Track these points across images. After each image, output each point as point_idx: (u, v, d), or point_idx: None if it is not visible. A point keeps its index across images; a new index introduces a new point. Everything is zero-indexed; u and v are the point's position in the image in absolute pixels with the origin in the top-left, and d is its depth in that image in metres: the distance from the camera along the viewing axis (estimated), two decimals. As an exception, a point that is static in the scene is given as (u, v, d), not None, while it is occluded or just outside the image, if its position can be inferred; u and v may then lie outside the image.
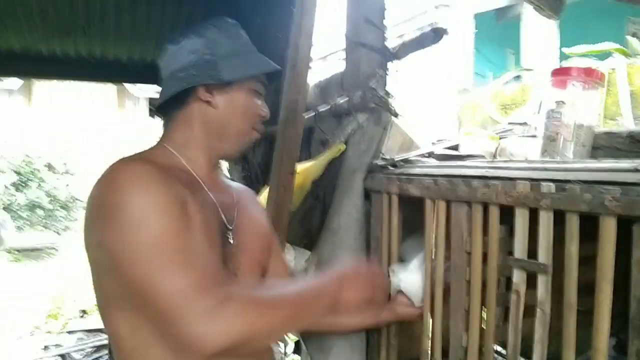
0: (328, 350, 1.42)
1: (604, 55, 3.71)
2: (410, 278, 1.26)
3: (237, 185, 1.22)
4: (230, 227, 1.02)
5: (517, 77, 5.71)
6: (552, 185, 0.89)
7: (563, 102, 1.06)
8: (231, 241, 1.01)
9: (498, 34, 6.55)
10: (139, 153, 1.01)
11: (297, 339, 2.49)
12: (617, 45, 3.45)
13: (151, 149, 1.04)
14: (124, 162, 0.92)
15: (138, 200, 0.83)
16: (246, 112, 1.03)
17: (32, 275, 7.28)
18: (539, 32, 5.20)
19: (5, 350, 4.62)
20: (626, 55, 3.68)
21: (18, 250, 8.49)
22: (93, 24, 3.09)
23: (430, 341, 1.28)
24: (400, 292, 1.28)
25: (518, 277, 0.99)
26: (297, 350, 2.04)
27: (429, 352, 1.28)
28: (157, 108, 1.05)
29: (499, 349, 1.30)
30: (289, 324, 0.94)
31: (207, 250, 0.90)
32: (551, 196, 0.89)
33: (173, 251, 0.81)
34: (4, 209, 9.12)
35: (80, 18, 3.07)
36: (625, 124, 3.21)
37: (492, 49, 6.58)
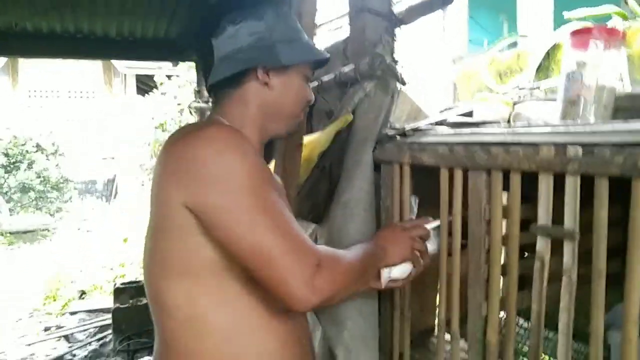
0: (341, 323, 1.41)
1: (602, 19, 3.65)
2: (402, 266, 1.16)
3: None
4: None
5: (513, 44, 5.64)
6: (579, 149, 0.86)
7: (584, 63, 1.02)
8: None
9: (492, 1, 6.45)
10: (206, 122, 1.09)
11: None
12: (617, 8, 3.39)
13: (209, 121, 1.07)
14: (217, 127, 0.96)
15: (245, 167, 0.90)
16: (298, 95, 1.07)
17: (27, 258, 7.25)
18: (534, -3, 5.13)
19: (6, 332, 4.61)
20: (624, 18, 3.62)
21: (11, 233, 8.43)
22: (80, -2, 2.97)
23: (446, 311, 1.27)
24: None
25: (542, 245, 0.97)
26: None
27: (445, 321, 1.27)
28: (210, 85, 1.06)
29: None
30: (356, 288, 1.06)
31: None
32: (578, 160, 0.86)
33: (278, 216, 0.90)
34: (-5, 191, 9.02)
35: (66, -8, 2.96)
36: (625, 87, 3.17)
37: (487, 15, 6.48)
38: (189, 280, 0.93)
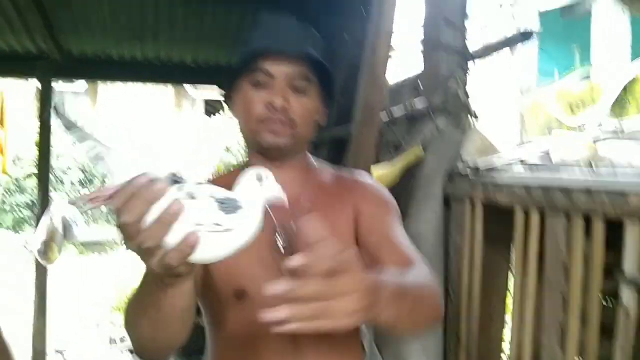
0: (405, 358, 1.39)
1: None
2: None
3: (329, 177, 1.00)
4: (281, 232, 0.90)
5: (585, 76, 5.46)
6: (673, 198, 0.83)
7: (676, 107, 0.98)
8: (281, 245, 0.90)
9: (563, 32, 6.27)
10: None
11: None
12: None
13: None
14: None
15: None
16: (247, 108, 0.92)
17: (95, 268, 7.61)
18: (610, 29, 4.94)
19: (73, 342, 4.84)
20: None
21: (82, 244, 8.90)
22: (162, 29, 3.18)
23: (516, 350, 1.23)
24: None
25: (629, 296, 0.92)
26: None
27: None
28: None
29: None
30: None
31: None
32: (671, 210, 0.83)
33: None
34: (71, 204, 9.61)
35: (150, 24, 3.17)
36: None
37: (557, 45, 6.31)
38: None
